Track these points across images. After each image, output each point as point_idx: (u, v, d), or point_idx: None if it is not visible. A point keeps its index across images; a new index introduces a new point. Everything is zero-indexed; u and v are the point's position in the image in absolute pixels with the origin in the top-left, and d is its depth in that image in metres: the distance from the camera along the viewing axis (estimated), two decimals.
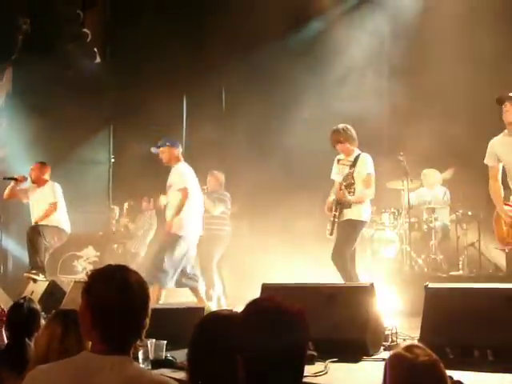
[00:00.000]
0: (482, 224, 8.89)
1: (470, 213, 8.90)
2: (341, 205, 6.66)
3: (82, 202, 10.33)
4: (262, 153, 10.13)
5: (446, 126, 8.81)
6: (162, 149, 7.55)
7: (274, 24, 10.11)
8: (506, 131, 6.24)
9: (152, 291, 6.67)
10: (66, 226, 8.36)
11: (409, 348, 2.23)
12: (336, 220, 6.65)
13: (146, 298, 2.22)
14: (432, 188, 9.52)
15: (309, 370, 4.26)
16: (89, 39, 10.48)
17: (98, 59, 10.46)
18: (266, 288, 5.07)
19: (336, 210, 6.66)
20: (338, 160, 7.00)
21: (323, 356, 4.47)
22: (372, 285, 4.95)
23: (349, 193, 6.62)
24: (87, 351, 2.19)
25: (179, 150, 7.62)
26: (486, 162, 6.42)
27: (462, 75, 8.69)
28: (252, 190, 9.78)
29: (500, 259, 8.87)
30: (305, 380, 3.96)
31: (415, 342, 3.41)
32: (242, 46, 10.41)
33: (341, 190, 6.62)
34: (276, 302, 2.16)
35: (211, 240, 8.62)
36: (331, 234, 6.70)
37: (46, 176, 8.38)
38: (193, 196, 7.43)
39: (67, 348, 2.90)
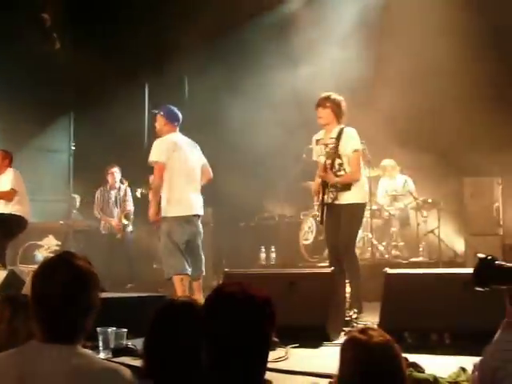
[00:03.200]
0: (442, 211, 9.05)
1: (429, 200, 9.03)
2: (335, 187, 5.98)
3: (42, 191, 10.19)
4: (225, 140, 10.11)
5: (406, 112, 8.90)
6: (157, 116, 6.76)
7: (237, 9, 10.06)
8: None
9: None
10: (27, 215, 8.22)
11: (363, 330, 2.26)
12: (325, 205, 5.98)
13: (89, 286, 2.18)
14: (392, 177, 9.60)
15: (270, 355, 4.28)
16: (48, 25, 10.28)
17: (58, 45, 10.27)
18: (227, 275, 5.08)
19: (324, 194, 6.00)
20: (317, 140, 6.28)
21: (284, 342, 4.51)
22: (333, 271, 4.99)
23: (338, 172, 6.02)
24: (35, 341, 2.17)
25: (171, 123, 6.66)
26: None
27: (425, 61, 8.78)
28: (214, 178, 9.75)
29: (459, 245, 9.05)
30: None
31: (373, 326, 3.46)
32: (204, 33, 10.32)
33: (325, 171, 5.99)
34: (242, 288, 2.15)
35: None
36: (321, 221, 6.10)
37: (7, 163, 8.22)
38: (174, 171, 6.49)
39: (15, 329, 2.87)
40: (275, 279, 5.00)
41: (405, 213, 9.35)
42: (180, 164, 6.46)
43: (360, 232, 8.95)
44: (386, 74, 8.86)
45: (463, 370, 3.22)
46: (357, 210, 6.06)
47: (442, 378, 3.11)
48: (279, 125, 9.72)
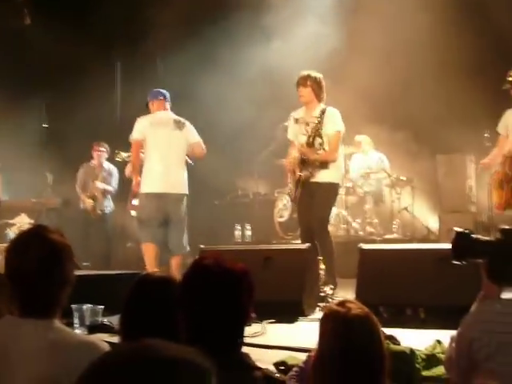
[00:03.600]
0: (416, 189, 9.13)
1: (403, 178, 9.08)
2: (312, 165, 5.97)
3: (14, 169, 10.04)
4: (199, 118, 10.03)
5: (379, 90, 8.91)
6: None
7: None
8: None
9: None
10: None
11: (341, 303, 2.27)
12: (300, 182, 5.99)
13: (64, 259, 2.15)
14: (366, 154, 9.63)
15: (246, 331, 4.30)
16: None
17: (29, 21, 10.08)
18: (203, 252, 5.07)
19: (301, 171, 6.01)
20: (296, 119, 6.23)
21: (260, 317, 4.52)
22: (308, 247, 5.01)
23: (317, 151, 6.00)
24: (10, 316, 2.15)
25: (154, 103, 6.78)
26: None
27: (399, 38, 8.77)
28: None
29: (432, 222, 9.13)
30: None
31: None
32: (177, 10, 10.20)
33: (306, 148, 5.99)
34: (220, 262, 2.16)
35: None
36: (295, 199, 6.17)
37: None
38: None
39: None
40: (250, 255, 5.00)
41: (379, 190, 9.39)
42: (155, 142, 6.53)
43: (334, 209, 9.04)
44: (360, 50, 8.86)
45: (439, 342, 3.26)
46: (332, 188, 6.08)
47: (418, 350, 3.15)
48: (253, 102, 9.68)
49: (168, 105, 6.84)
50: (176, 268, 6.43)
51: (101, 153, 9.49)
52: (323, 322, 2.30)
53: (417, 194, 9.13)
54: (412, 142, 9.25)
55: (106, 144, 9.50)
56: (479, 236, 2.45)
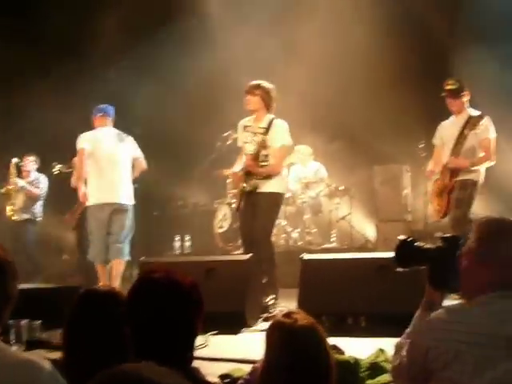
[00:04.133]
0: (353, 198, 9.27)
1: (341, 187, 9.21)
2: (255, 175, 5.91)
3: None
4: (137, 127, 9.93)
5: (317, 99, 9.03)
6: None
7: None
8: None
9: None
10: None
11: (288, 314, 2.28)
12: (245, 192, 5.93)
13: (7, 275, 2.05)
14: (305, 164, 9.70)
15: None
16: None
17: None
18: (143, 264, 5.01)
19: (245, 182, 5.93)
20: (245, 126, 6.14)
21: (204, 329, 4.49)
22: (249, 258, 5.01)
23: (262, 163, 5.91)
24: None
25: (98, 117, 6.90)
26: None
27: (337, 48, 8.92)
28: None
29: (370, 231, 9.29)
30: None
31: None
32: (117, 20, 10.09)
33: (251, 160, 5.91)
34: (168, 275, 2.13)
35: None
36: (238, 208, 6.11)
37: None
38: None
39: None
40: (192, 267, 4.97)
41: (317, 200, 9.48)
42: (99, 155, 6.68)
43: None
44: (298, 59, 8.94)
45: (381, 350, 3.30)
46: (276, 199, 6.00)
47: (361, 359, 3.18)
48: (192, 111, 9.68)
49: (111, 120, 6.96)
50: (115, 279, 6.39)
51: (29, 162, 9.25)
52: (269, 333, 2.30)
53: (354, 204, 9.27)
54: (349, 152, 9.38)
55: (36, 156, 9.28)
56: (422, 243, 2.50)
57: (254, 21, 9.50)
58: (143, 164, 7.00)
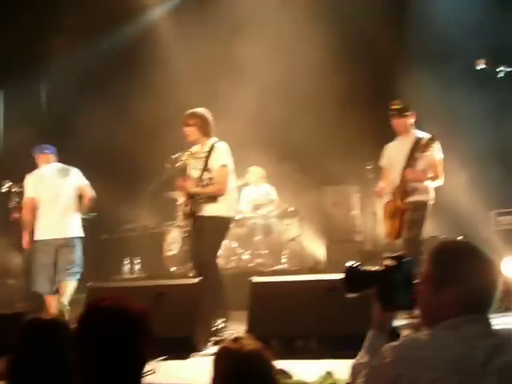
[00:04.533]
0: (304, 219, 9.30)
1: (291, 209, 9.25)
2: (201, 199, 6.00)
3: None
4: (85, 147, 9.82)
5: (267, 121, 9.08)
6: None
7: (101, 13, 9.82)
8: None
9: None
10: None
11: (235, 339, 2.26)
12: (190, 216, 6.03)
13: None
14: (257, 185, 9.71)
15: None
16: None
17: None
18: (91, 289, 4.92)
19: (187, 205, 6.05)
20: (192, 153, 6.24)
21: (153, 355, 4.42)
22: (200, 281, 4.97)
23: (206, 186, 5.98)
24: None
25: (39, 157, 7.24)
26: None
27: (287, 71, 9.00)
28: None
29: (320, 252, 9.32)
30: None
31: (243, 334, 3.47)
32: (65, 37, 9.98)
33: (185, 180, 6.06)
34: (117, 303, 2.09)
35: None
36: (189, 232, 6.17)
37: None
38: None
39: None
40: (140, 291, 4.91)
41: (268, 221, 9.49)
42: (45, 194, 6.98)
43: (224, 241, 9.06)
44: (248, 80, 8.97)
45: (329, 374, 3.30)
46: (219, 222, 6.01)
47: (308, 383, 3.17)
48: (141, 133, 9.61)
49: (53, 157, 7.25)
50: (64, 293, 6.62)
51: None
52: (216, 358, 2.28)
53: (305, 225, 9.30)
54: (299, 174, 9.43)
55: None
56: (368, 266, 2.51)
57: (204, 41, 9.55)
58: (90, 192, 7.17)
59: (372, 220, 8.17)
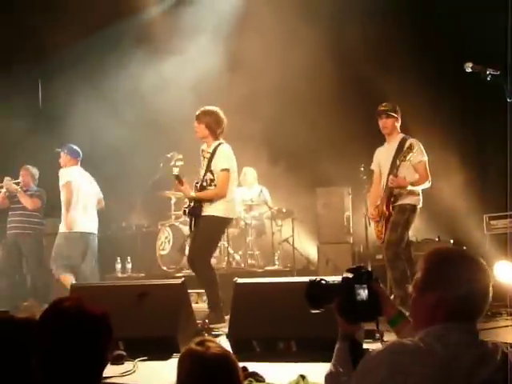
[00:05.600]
0: (296, 220, 9.30)
1: (284, 210, 9.24)
2: (200, 201, 6.06)
3: None
4: (80, 145, 9.80)
5: (259, 122, 9.08)
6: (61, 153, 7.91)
7: (97, 11, 9.83)
8: None
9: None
10: None
11: (200, 342, 2.26)
12: (191, 215, 6.09)
13: None
14: (250, 186, 9.71)
15: (116, 370, 4.20)
16: None
17: None
18: (74, 288, 4.91)
19: (188, 206, 6.12)
20: (202, 151, 6.29)
21: (134, 355, 4.43)
22: (183, 282, 4.95)
23: (208, 187, 6.05)
24: None
25: (72, 158, 7.90)
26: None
27: (280, 71, 8.99)
28: None
29: (312, 253, 9.32)
30: (111, 380, 3.91)
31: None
32: (62, 34, 9.95)
33: (183, 184, 6.12)
34: (78, 304, 2.10)
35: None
36: (190, 230, 6.24)
37: None
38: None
39: None
40: (123, 291, 4.90)
41: (260, 222, 9.49)
42: (78, 191, 7.62)
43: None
44: (241, 80, 8.98)
45: (302, 377, 3.29)
46: (215, 222, 6.04)
47: None
48: (135, 132, 9.61)
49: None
50: None
51: None
52: (181, 360, 2.28)
53: (297, 226, 9.30)
54: (292, 175, 9.43)
55: None
56: (329, 281, 2.51)
57: (198, 39, 9.56)
58: (103, 203, 8.11)
59: (364, 222, 8.16)
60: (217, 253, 8.97)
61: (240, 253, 9.17)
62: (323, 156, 8.96)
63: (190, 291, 6.49)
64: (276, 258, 9.16)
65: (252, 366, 3.58)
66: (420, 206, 6.40)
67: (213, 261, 8.88)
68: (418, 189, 6.35)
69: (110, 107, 9.66)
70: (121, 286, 5.12)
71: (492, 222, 8.00)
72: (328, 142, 8.99)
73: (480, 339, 2.07)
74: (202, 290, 6.80)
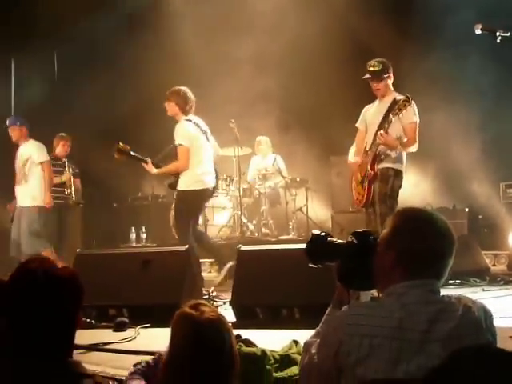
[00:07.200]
0: (310, 190, 9.24)
1: (298, 179, 9.18)
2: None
3: None
4: (96, 116, 9.84)
5: (260, 92, 8.99)
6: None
7: None
8: None
9: None
10: None
11: (194, 306, 2.25)
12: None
13: None
14: (265, 155, 9.65)
15: (118, 336, 4.22)
16: None
17: None
18: (80, 256, 4.93)
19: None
20: None
21: (137, 322, 4.45)
22: (187, 249, 4.94)
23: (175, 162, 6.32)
24: None
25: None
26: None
27: (287, 41, 8.89)
28: (86, 158, 9.48)
29: (326, 222, 9.26)
30: (111, 346, 3.93)
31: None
32: (75, 6, 9.94)
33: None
34: (45, 265, 2.08)
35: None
36: None
37: None
38: None
39: None
40: (128, 258, 4.91)
41: (275, 191, 9.45)
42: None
43: (230, 210, 9.06)
44: (245, 51, 8.91)
45: (295, 342, 3.26)
46: (181, 196, 6.29)
47: (274, 351, 3.13)
48: (148, 103, 9.58)
49: None
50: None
51: None
52: (175, 323, 2.28)
53: (311, 195, 9.24)
54: (307, 144, 9.35)
55: None
56: (334, 239, 2.43)
57: (206, 12, 9.50)
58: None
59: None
60: (230, 222, 9.01)
61: (254, 222, 9.15)
62: (337, 124, 8.83)
63: (202, 260, 6.61)
64: (290, 227, 9.13)
65: (255, 333, 3.57)
66: (404, 170, 5.79)
67: (226, 230, 8.94)
68: (406, 151, 5.77)
69: (127, 77, 9.67)
70: (125, 254, 5.14)
71: (509, 191, 7.89)
72: (342, 110, 8.85)
73: (442, 295, 2.04)
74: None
